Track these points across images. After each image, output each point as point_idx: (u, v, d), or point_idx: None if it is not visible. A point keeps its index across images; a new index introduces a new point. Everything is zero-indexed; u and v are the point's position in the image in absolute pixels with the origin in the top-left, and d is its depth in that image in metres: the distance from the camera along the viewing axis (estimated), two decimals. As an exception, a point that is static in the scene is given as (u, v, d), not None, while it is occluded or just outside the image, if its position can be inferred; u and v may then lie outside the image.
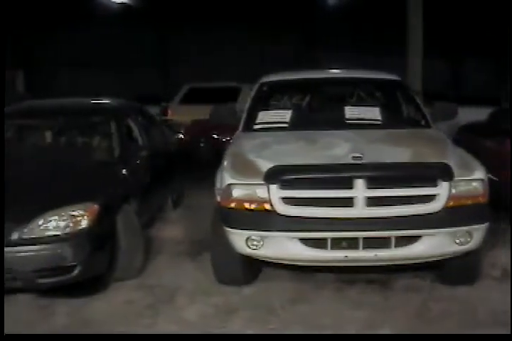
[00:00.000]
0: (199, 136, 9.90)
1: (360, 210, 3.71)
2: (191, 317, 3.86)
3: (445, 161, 3.87)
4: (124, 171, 4.69)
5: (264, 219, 3.75)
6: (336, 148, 4.08)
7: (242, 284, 4.27)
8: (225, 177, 3.90)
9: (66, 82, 18.13)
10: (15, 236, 3.75)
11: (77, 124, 5.17)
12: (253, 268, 4.33)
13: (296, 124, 4.73)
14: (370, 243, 3.76)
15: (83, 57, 18.73)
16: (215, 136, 9.89)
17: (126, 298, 4.16)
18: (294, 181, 3.74)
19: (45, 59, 18.96)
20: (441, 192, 3.74)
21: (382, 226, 3.72)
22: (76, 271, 3.84)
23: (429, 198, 3.75)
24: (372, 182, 3.70)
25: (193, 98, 11.60)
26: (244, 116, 4.92)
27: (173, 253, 5.11)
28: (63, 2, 18.03)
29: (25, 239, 3.75)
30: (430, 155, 4.04)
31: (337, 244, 3.76)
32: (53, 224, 3.82)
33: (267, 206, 3.74)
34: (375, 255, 3.78)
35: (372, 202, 3.72)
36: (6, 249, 3.70)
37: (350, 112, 4.79)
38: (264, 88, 5.16)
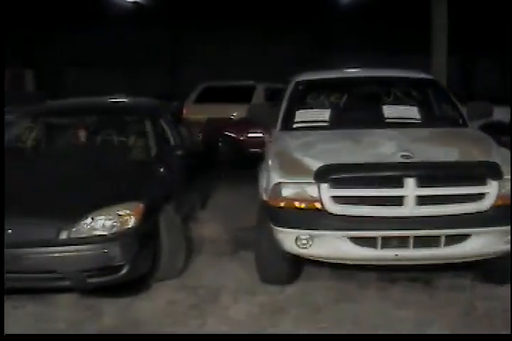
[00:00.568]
0: (215, 134, 9.90)
1: (410, 209, 3.70)
2: (239, 317, 3.84)
3: (493, 160, 3.86)
4: (161, 171, 4.67)
5: (314, 218, 3.74)
6: (382, 146, 4.07)
7: (286, 283, 4.26)
8: (273, 176, 3.88)
9: (75, 82, 18.07)
10: (63, 235, 3.72)
11: (112, 123, 5.14)
12: (296, 267, 4.32)
13: (336, 123, 4.72)
14: (420, 242, 3.75)
15: (91, 56, 18.68)
16: (233, 135, 9.92)
17: (170, 298, 4.14)
18: (345, 180, 3.73)
19: (55, 58, 18.91)
20: (491, 191, 3.74)
21: (432, 225, 3.71)
22: (124, 271, 3.82)
23: (478, 197, 3.75)
24: (423, 181, 3.70)
25: (208, 97, 11.60)
26: (281, 115, 4.90)
27: (209, 252, 5.09)
28: (74, 2, 17.99)
29: (74, 239, 3.73)
30: (477, 154, 4.04)
31: (387, 242, 3.75)
32: (101, 223, 3.80)
33: (318, 205, 3.73)
34: (425, 254, 3.77)
35: (422, 200, 3.71)
36: (55, 249, 3.69)
37: (389, 111, 4.79)
38: (300, 87, 5.14)
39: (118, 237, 3.79)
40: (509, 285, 4.21)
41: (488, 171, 3.77)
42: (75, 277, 3.73)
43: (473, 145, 4.28)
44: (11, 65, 15.48)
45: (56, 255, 3.68)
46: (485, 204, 3.74)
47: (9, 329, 3.67)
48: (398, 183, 3.70)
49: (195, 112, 10.91)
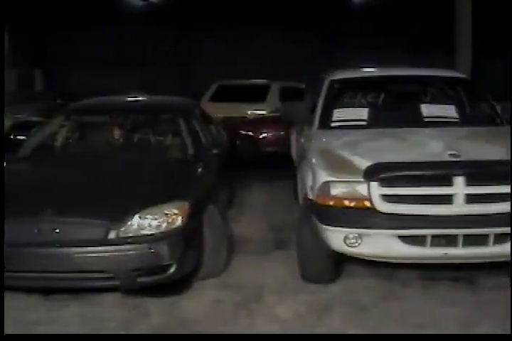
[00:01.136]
0: (232, 134, 9.88)
1: (459, 207, 3.71)
2: (286, 316, 3.83)
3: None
4: (201, 170, 4.66)
5: (363, 217, 3.74)
6: (428, 145, 4.09)
7: (328, 282, 4.26)
8: (321, 175, 3.88)
9: (85, 81, 18.01)
10: (112, 235, 3.72)
11: (148, 122, 5.12)
12: (339, 265, 4.32)
13: (375, 122, 4.73)
14: (469, 240, 3.75)
15: (100, 55, 18.63)
16: (250, 134, 9.89)
17: (214, 297, 4.13)
18: (395, 178, 3.73)
19: (63, 57, 18.85)
20: None
21: (481, 223, 3.71)
22: (171, 270, 3.81)
23: None
24: (472, 180, 3.70)
25: (222, 95, 11.58)
26: (318, 113, 4.91)
27: (244, 251, 5.06)
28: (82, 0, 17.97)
29: (123, 238, 3.72)
30: (523, 153, 4.03)
31: (436, 241, 3.74)
32: (149, 223, 3.79)
33: (367, 203, 3.73)
34: (474, 252, 3.77)
35: (471, 199, 3.71)
36: (104, 248, 3.68)
37: (427, 110, 4.80)
38: (336, 85, 5.14)
39: (166, 236, 3.77)
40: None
41: (537, 169, 3.76)
42: (125, 276, 3.71)
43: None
44: (20, 65, 15.43)
45: (105, 255, 3.67)
46: (533, 203, 3.74)
47: (58, 329, 3.68)
48: (447, 182, 3.71)
49: (210, 111, 10.87)
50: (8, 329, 3.65)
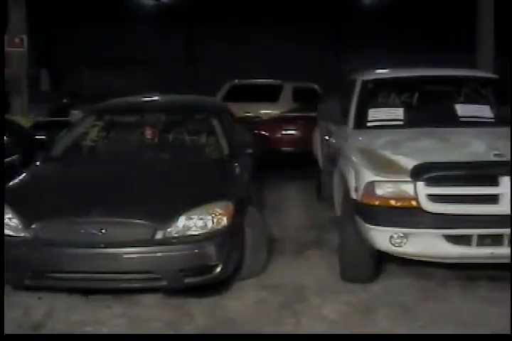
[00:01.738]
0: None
1: (506, 207, 3.70)
2: (333, 316, 3.83)
3: None
4: (238, 170, 4.65)
5: (409, 216, 3.75)
6: (470, 145, 4.10)
7: (368, 281, 4.26)
8: (366, 175, 3.88)
9: (93, 81, 18.01)
10: (159, 235, 3.71)
11: (181, 121, 5.11)
12: (380, 265, 4.32)
13: (411, 122, 4.73)
14: (514, 240, 3.76)
15: (108, 56, 18.60)
16: (266, 134, 9.89)
17: (256, 297, 4.13)
18: (441, 178, 3.74)
19: (71, 58, 18.82)
20: None
21: (527, 223, 3.71)
22: (217, 270, 3.81)
23: None
24: (518, 179, 3.70)
25: (235, 95, 11.57)
26: (353, 113, 4.91)
27: (276, 252, 5.07)
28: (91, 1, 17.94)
29: (169, 239, 3.72)
30: None
31: (482, 240, 3.75)
32: (195, 223, 3.79)
33: (414, 203, 3.73)
34: (521, 252, 3.77)
35: (517, 199, 3.71)
36: (151, 249, 3.68)
37: (462, 110, 4.81)
38: (370, 85, 5.15)
39: (212, 237, 3.78)
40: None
41: None
42: (172, 277, 3.71)
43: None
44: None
45: (153, 255, 3.67)
46: None
47: (105, 329, 3.67)
48: (493, 181, 3.71)
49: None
50: (56, 329, 3.67)
